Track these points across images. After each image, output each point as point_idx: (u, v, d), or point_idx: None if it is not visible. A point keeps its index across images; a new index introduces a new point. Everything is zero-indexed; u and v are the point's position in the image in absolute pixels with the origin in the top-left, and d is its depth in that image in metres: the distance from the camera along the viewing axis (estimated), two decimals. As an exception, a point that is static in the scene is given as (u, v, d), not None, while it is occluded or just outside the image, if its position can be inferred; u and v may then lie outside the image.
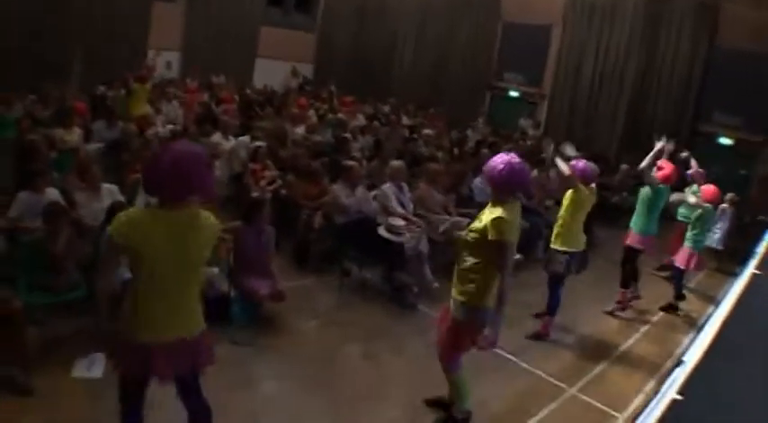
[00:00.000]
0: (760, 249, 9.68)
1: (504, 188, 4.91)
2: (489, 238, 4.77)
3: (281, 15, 22.44)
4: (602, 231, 11.79)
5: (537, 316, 7.99)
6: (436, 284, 8.33)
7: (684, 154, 10.27)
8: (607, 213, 12.69)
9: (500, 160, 4.94)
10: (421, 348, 6.81)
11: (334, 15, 23.57)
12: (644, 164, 8.66)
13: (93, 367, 5.44)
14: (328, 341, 6.88)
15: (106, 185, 7.31)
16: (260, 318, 6.88)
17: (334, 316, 7.57)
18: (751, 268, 8.24)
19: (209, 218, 3.75)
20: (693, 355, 4.80)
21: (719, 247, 11.52)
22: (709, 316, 6.77)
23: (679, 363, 4.85)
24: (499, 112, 20.58)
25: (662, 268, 10.77)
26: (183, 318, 3.75)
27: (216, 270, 6.71)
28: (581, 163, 7.72)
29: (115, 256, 3.64)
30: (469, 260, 4.97)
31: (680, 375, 4.30)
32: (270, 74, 20.86)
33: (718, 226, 11.15)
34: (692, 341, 5.94)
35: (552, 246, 7.69)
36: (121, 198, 7.16)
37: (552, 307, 7.70)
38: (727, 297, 7.15)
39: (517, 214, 4.97)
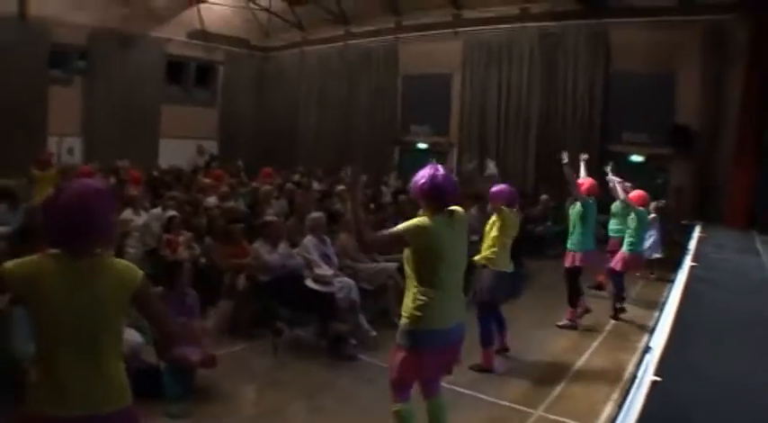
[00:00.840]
0: (691, 246, 10.19)
1: (428, 201, 4.70)
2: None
3: (181, 92, 22.24)
4: (531, 262, 11.83)
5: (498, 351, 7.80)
6: (374, 333, 8.09)
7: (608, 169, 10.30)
8: (534, 244, 12.79)
9: (423, 173, 4.74)
10: (369, 396, 6.53)
11: (234, 88, 23.48)
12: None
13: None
14: (269, 403, 6.52)
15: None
16: (194, 387, 6.42)
17: (271, 377, 7.17)
18: (688, 262, 8.64)
19: (121, 263, 3.23)
20: (658, 341, 4.83)
21: (657, 256, 11.74)
22: (663, 306, 6.92)
23: (647, 349, 4.84)
24: (409, 166, 20.39)
25: (597, 287, 10.70)
26: (98, 389, 3.07)
27: (141, 340, 6.28)
28: (505, 188, 7.71)
29: None
30: (408, 280, 4.79)
31: (651, 360, 4.31)
32: (175, 154, 20.41)
33: (650, 233, 11.30)
34: (653, 329, 5.95)
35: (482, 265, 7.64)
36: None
37: (484, 337, 7.49)
38: (674, 288, 7.39)
39: (453, 229, 4.71)
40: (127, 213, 10.14)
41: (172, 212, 9.91)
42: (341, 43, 22.42)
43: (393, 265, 8.98)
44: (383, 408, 5.91)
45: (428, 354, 4.67)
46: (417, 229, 4.53)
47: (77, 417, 3.02)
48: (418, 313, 4.61)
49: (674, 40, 15.50)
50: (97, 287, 3.04)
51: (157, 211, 10.51)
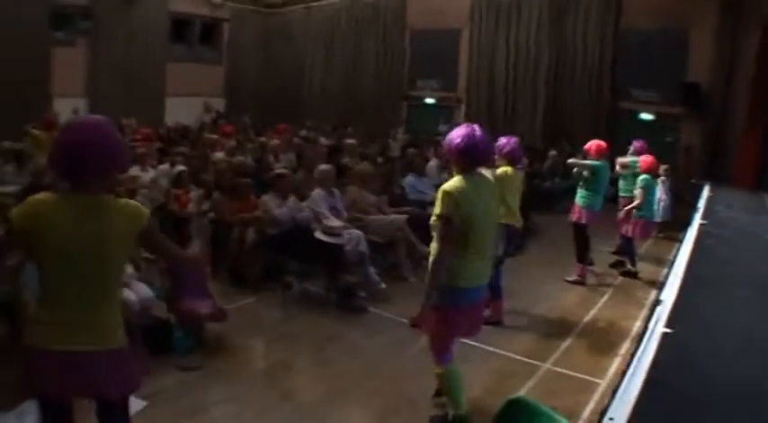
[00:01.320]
0: (700, 205, 10.21)
1: (462, 161, 4.64)
2: (436, 213, 4.56)
3: (187, 50, 22.05)
4: (539, 217, 11.85)
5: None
6: (383, 285, 8.14)
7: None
8: (542, 200, 12.80)
9: (460, 132, 4.66)
10: (379, 348, 6.67)
11: (240, 45, 23.28)
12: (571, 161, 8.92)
13: (24, 420, 4.50)
14: (278, 355, 6.52)
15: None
16: (204, 341, 6.48)
17: (280, 330, 7.17)
18: (697, 220, 8.65)
19: (130, 203, 3.24)
20: (669, 294, 4.84)
21: (666, 219, 11.78)
22: (672, 262, 6.94)
23: (658, 302, 4.85)
24: (417, 121, 20.56)
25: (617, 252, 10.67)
26: (92, 326, 3.12)
27: (152, 295, 6.29)
28: (506, 142, 7.46)
29: (9, 242, 3.16)
30: (436, 244, 4.69)
31: (663, 312, 4.33)
32: (181, 112, 20.34)
33: (661, 198, 11.30)
34: (663, 283, 5.97)
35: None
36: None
37: (494, 290, 7.27)
38: (684, 244, 7.40)
39: (483, 189, 4.68)
40: (134, 170, 10.12)
41: (181, 167, 9.91)
42: (348, -1, 22.20)
43: (403, 217, 9.02)
44: (392, 359, 6.12)
45: (454, 311, 4.68)
46: (456, 200, 4.46)
47: (67, 351, 3.05)
48: (454, 272, 4.60)
49: (689, -2, 15.35)
50: (102, 223, 3.07)
51: (165, 166, 10.48)
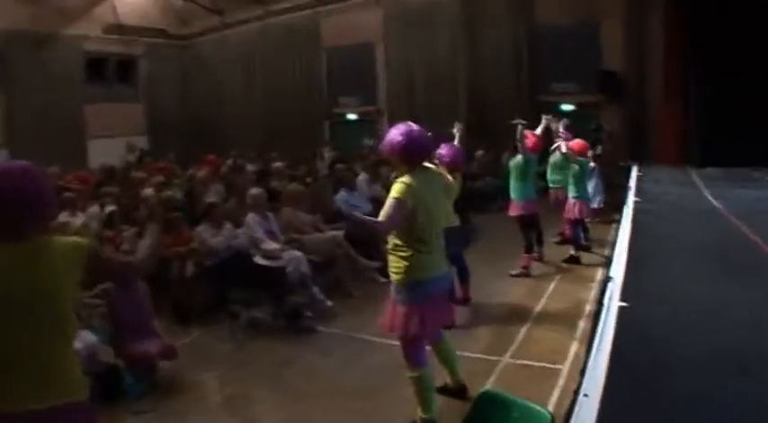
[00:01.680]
0: (632, 184, 10.48)
1: (407, 158, 4.68)
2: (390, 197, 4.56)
3: (104, 90, 21.69)
4: (476, 217, 11.91)
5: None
6: (329, 303, 8.11)
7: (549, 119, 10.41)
8: (476, 200, 12.87)
9: (397, 132, 4.71)
10: (333, 366, 6.60)
11: (157, 80, 23.03)
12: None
13: None
14: (234, 387, 6.39)
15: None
16: (156, 382, 6.32)
17: (232, 361, 7.03)
18: (632, 198, 8.88)
19: (64, 240, 2.97)
20: (617, 271, 4.91)
21: (600, 205, 12.02)
22: (615, 240, 7.09)
23: (608, 279, 4.92)
24: (342, 138, 20.56)
25: (562, 242, 10.95)
26: (46, 381, 2.80)
27: (96, 339, 6.11)
28: (450, 150, 7.50)
29: None
30: (391, 240, 4.76)
31: (615, 288, 4.39)
32: (105, 153, 19.79)
33: (592, 182, 11.51)
34: (610, 261, 6.06)
35: None
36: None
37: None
38: (623, 222, 7.55)
39: (431, 182, 4.77)
40: (63, 216, 9.86)
41: (111, 208, 9.71)
42: (261, 22, 22.17)
43: (340, 233, 8.99)
44: (347, 376, 6.15)
45: (420, 305, 4.70)
46: (409, 189, 4.51)
47: (22, 412, 2.76)
48: (408, 264, 4.65)
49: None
50: (41, 270, 2.80)
51: (95, 208, 10.25)
